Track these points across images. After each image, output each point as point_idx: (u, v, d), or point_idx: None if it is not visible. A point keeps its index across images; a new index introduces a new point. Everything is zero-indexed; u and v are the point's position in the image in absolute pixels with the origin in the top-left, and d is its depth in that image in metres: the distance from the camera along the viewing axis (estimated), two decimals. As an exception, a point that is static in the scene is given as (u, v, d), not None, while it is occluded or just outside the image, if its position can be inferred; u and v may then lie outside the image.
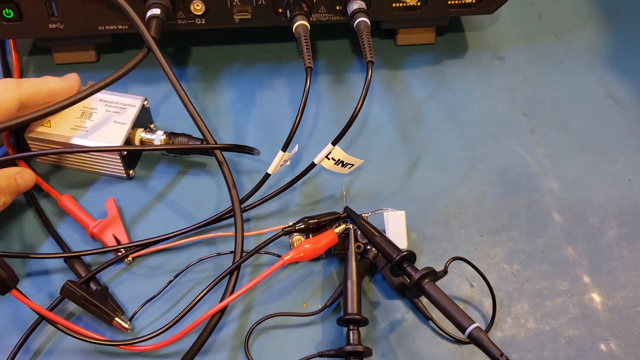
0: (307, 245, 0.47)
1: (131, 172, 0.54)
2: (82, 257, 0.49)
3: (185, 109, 0.51)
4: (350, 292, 0.45)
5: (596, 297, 0.49)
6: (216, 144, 0.52)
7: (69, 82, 0.51)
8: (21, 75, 0.61)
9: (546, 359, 0.46)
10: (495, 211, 0.53)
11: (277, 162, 0.50)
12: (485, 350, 0.39)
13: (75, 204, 0.52)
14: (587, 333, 0.47)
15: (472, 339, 0.40)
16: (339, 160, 0.51)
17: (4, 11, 0.54)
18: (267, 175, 0.51)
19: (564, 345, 0.47)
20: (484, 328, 0.45)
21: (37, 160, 0.55)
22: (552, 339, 0.47)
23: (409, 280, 0.44)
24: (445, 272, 0.46)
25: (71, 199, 0.52)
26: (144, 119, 0.55)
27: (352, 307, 0.45)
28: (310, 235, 0.49)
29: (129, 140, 0.53)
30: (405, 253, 0.44)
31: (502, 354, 0.39)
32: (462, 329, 0.40)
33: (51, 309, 0.46)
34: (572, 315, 0.48)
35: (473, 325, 0.40)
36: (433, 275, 0.44)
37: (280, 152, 0.50)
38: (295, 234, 0.49)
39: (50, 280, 0.49)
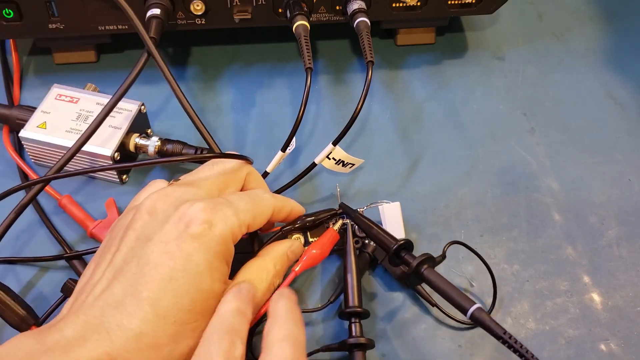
0: (315, 251, 0.46)
1: (124, 177, 0.54)
2: (83, 256, 0.49)
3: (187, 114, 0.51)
4: (350, 286, 0.46)
5: (596, 297, 0.49)
6: (216, 153, 0.51)
7: (302, 208, 0.48)
8: (21, 75, 0.61)
9: (546, 359, 0.46)
10: (495, 211, 0.53)
11: (275, 162, 0.50)
12: (488, 329, 0.39)
13: (76, 204, 0.52)
14: (587, 333, 0.47)
15: (475, 320, 0.40)
16: (339, 160, 0.51)
17: (4, 11, 0.54)
18: (266, 174, 0.51)
19: (564, 345, 0.47)
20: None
21: (33, 160, 0.55)
22: (552, 339, 0.47)
23: (408, 267, 0.44)
24: (443, 257, 0.45)
25: (71, 200, 0.52)
26: (140, 124, 0.54)
27: (352, 299, 0.45)
28: (309, 233, 0.49)
29: (123, 145, 0.52)
30: (402, 242, 0.44)
31: (505, 332, 0.38)
32: (464, 311, 0.40)
33: (54, 309, 0.47)
34: (572, 315, 0.48)
35: (475, 306, 0.40)
36: (431, 261, 0.43)
37: (280, 153, 0.50)
38: (293, 233, 0.49)
39: (51, 280, 0.49)
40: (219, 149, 0.50)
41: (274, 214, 0.44)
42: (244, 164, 0.45)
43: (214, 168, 0.44)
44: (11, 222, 0.46)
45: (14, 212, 0.47)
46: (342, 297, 0.47)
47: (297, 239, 0.48)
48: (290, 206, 0.46)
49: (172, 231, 0.37)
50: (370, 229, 0.46)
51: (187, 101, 0.49)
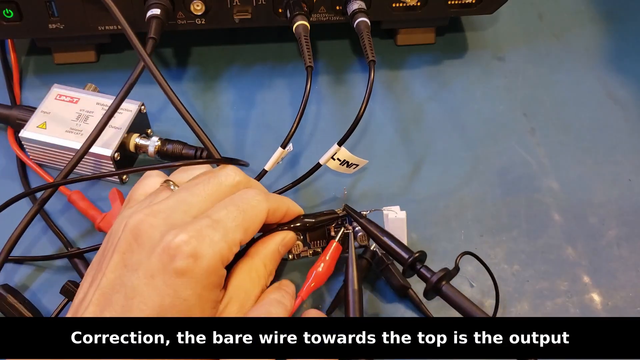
0: (320, 269, 0.45)
1: (124, 177, 0.54)
2: (85, 255, 0.49)
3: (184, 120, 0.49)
4: (352, 300, 0.44)
5: (596, 297, 0.49)
6: (210, 159, 0.49)
7: (299, 208, 0.47)
8: (21, 76, 0.61)
9: (546, 359, 0.46)
10: (495, 211, 0.53)
11: (275, 159, 0.50)
12: None
13: (85, 199, 0.52)
14: (587, 333, 0.47)
15: None
16: (344, 160, 0.51)
17: (4, 11, 0.54)
18: (264, 172, 0.51)
19: (564, 345, 0.47)
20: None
21: (33, 160, 0.54)
22: (553, 339, 0.47)
23: (425, 282, 0.43)
24: (457, 269, 0.44)
25: (81, 195, 0.52)
26: (140, 124, 0.54)
27: (354, 314, 0.44)
28: (308, 235, 0.48)
29: (123, 145, 0.52)
30: (417, 254, 0.44)
31: None
32: None
33: (58, 313, 0.46)
34: (572, 316, 0.48)
35: None
36: (448, 276, 0.43)
37: (280, 149, 0.50)
38: None
39: (53, 279, 0.49)
40: (219, 154, 0.48)
41: (268, 216, 0.42)
42: (238, 171, 0.43)
43: (205, 177, 0.42)
44: (21, 233, 0.46)
45: (24, 223, 0.46)
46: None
47: (292, 234, 0.46)
48: (286, 205, 0.45)
49: (157, 264, 0.36)
50: (380, 236, 0.46)
51: (185, 108, 0.48)
